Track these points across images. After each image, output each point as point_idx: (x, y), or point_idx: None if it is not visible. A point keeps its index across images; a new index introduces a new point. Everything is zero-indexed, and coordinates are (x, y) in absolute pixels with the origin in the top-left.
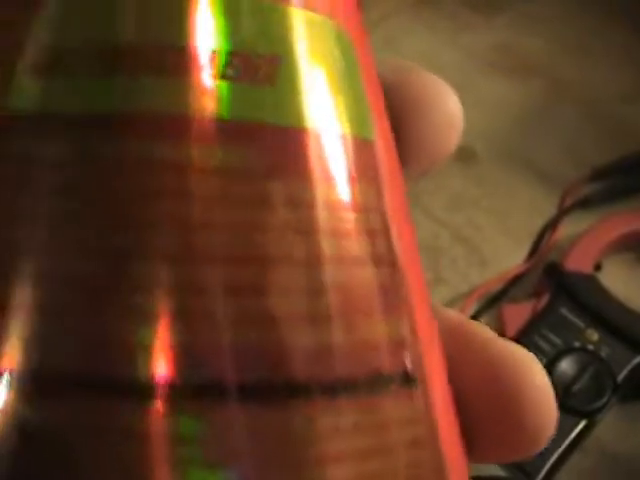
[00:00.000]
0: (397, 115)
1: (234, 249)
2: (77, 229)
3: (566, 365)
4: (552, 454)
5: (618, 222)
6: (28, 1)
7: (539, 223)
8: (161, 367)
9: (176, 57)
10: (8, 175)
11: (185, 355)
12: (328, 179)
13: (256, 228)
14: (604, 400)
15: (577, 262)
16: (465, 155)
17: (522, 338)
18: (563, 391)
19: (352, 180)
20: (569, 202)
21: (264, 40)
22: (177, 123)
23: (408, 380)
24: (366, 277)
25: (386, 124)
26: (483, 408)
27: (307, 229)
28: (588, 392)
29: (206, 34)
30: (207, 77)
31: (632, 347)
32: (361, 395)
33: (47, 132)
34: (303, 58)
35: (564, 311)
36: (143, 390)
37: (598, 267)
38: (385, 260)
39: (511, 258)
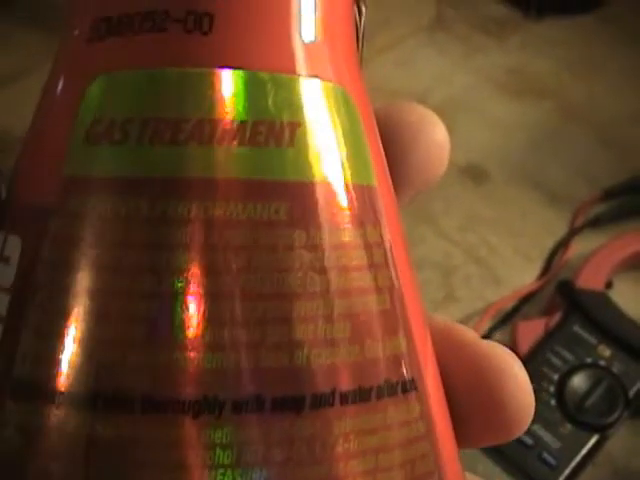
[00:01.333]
0: (391, 145)
1: (262, 287)
2: (123, 277)
3: (578, 381)
4: (565, 468)
5: (628, 241)
6: (78, 85)
7: (551, 242)
8: (205, 388)
9: (209, 128)
10: (63, 228)
11: (226, 378)
12: (339, 223)
13: (280, 269)
14: (616, 415)
15: (589, 280)
16: (478, 176)
17: (535, 354)
18: (576, 406)
19: (359, 222)
20: (580, 222)
21: (285, 109)
22: (210, 184)
23: (407, 387)
24: (370, 305)
25: (384, 168)
26: (470, 398)
27: (323, 267)
28: (600, 407)
29: (234, 108)
30: (236, 144)
31: None
32: (373, 401)
33: (94, 192)
34: (315, 121)
35: (576, 328)
36: (192, 407)
37: (609, 285)
38: (387, 289)
39: (524, 276)
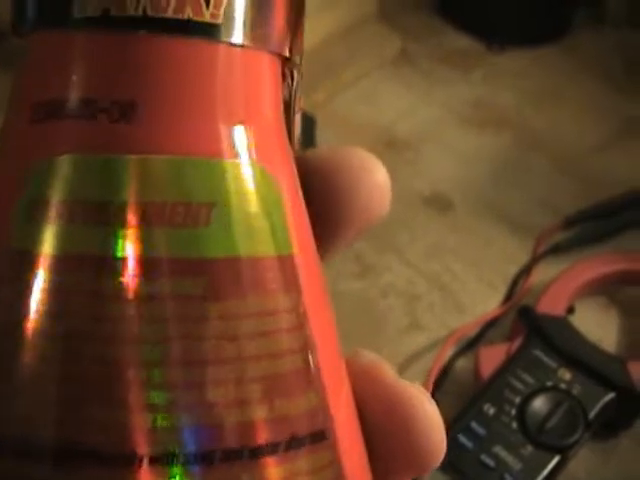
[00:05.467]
0: (334, 189)
1: (179, 355)
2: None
3: (539, 403)
4: None
5: (588, 267)
6: (20, 166)
7: (513, 269)
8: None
9: (131, 211)
10: (12, 296)
11: (146, 435)
12: (252, 294)
13: (196, 338)
14: (576, 436)
15: (549, 305)
16: (442, 205)
17: (497, 378)
18: (537, 428)
19: (271, 290)
20: (542, 249)
21: (200, 191)
22: (130, 263)
23: (316, 438)
24: (281, 367)
25: (307, 236)
26: (386, 436)
27: (234, 336)
28: (561, 429)
29: (153, 191)
30: (156, 225)
31: (603, 385)
32: (281, 454)
33: (35, 266)
34: (231, 200)
35: (537, 352)
36: (131, 460)
37: (571, 310)
38: (298, 351)
39: (487, 304)
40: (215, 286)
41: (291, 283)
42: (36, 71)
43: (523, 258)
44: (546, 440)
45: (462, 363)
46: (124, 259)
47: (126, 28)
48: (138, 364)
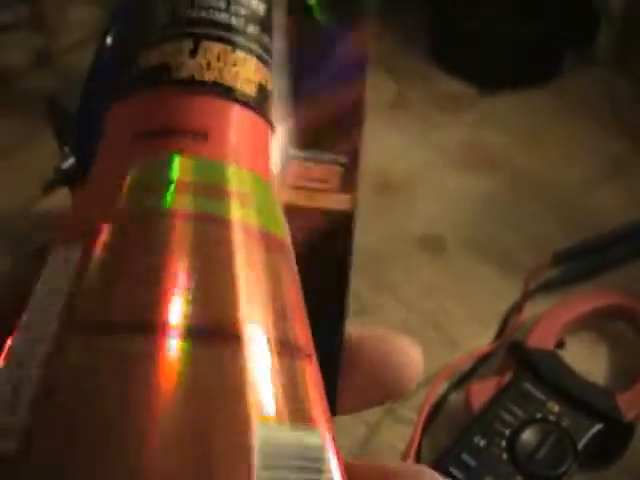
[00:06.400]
0: (378, 366)
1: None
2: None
3: (529, 435)
4: None
5: (576, 302)
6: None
7: (504, 307)
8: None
9: (190, 187)
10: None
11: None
12: (253, 245)
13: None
14: (565, 467)
15: (539, 340)
16: (435, 245)
17: (487, 411)
18: (526, 459)
19: (266, 249)
20: (532, 286)
21: (232, 181)
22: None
23: (286, 347)
24: (267, 292)
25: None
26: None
27: (234, 264)
28: (550, 460)
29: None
30: (202, 196)
31: (591, 417)
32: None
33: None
34: (246, 190)
35: (527, 385)
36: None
37: (561, 344)
38: (279, 308)
39: (480, 340)
40: (228, 233)
41: (282, 253)
42: (140, 113)
43: (513, 295)
44: (535, 471)
45: (455, 397)
46: (200, 214)
47: (203, 87)
48: (165, 267)
